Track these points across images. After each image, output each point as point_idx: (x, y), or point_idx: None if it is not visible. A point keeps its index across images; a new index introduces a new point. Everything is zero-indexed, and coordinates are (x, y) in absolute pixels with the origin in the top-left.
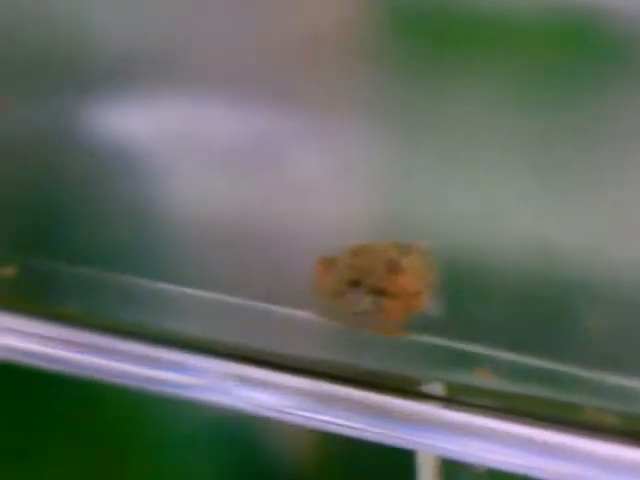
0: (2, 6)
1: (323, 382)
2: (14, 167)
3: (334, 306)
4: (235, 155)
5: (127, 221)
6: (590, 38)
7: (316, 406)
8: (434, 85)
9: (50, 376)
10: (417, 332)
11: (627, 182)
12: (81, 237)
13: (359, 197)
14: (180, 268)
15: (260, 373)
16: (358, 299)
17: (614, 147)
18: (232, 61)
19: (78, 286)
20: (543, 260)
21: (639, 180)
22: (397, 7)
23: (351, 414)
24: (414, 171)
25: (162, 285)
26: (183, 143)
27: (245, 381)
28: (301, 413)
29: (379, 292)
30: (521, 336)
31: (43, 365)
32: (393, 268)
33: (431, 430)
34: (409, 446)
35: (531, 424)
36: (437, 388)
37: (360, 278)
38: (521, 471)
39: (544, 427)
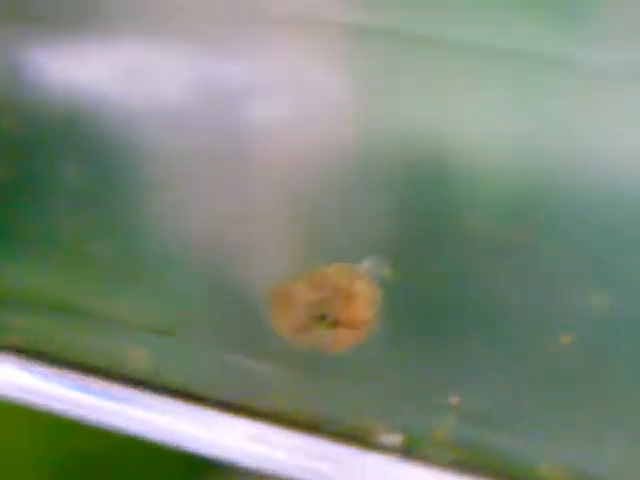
0: None
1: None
2: None
3: (297, 341)
4: None
5: None
6: None
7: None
8: None
9: None
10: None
11: None
12: None
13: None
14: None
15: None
16: (322, 333)
17: None
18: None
19: None
20: None
21: None
22: None
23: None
24: None
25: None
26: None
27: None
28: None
29: (338, 323)
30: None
31: None
32: (348, 297)
33: None
34: None
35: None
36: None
37: (324, 312)
38: None
39: None
